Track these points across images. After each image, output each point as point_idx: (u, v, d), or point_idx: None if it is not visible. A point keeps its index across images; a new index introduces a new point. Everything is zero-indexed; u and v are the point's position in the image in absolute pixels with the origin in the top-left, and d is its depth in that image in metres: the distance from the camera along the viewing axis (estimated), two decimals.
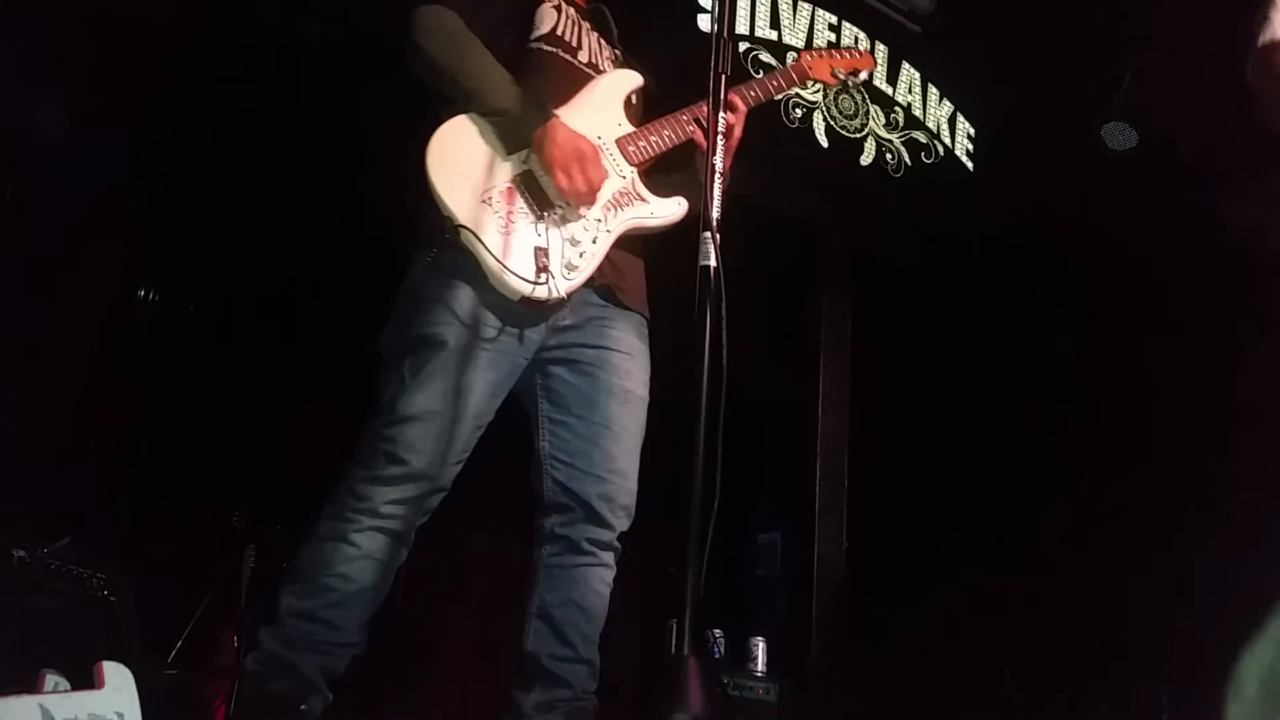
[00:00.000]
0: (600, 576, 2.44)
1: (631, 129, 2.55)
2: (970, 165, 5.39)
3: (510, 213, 2.34)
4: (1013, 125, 5.34)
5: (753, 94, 2.63)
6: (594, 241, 2.40)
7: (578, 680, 2.37)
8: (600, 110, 2.54)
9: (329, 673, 2.27)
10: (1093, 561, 4.91)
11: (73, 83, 3.99)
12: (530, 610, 2.42)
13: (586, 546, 2.41)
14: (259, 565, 3.82)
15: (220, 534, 4.06)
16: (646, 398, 2.53)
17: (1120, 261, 5.20)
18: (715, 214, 1.89)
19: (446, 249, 2.34)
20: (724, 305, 1.81)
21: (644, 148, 2.52)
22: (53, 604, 2.98)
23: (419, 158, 2.34)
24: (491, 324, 2.34)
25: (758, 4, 4.79)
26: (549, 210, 2.37)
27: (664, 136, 2.54)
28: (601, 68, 2.64)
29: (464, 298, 2.33)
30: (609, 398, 2.46)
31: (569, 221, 2.38)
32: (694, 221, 1.91)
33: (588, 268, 2.39)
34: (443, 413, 2.30)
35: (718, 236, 1.86)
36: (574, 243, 2.37)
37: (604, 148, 2.49)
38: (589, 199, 2.40)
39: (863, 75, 2.93)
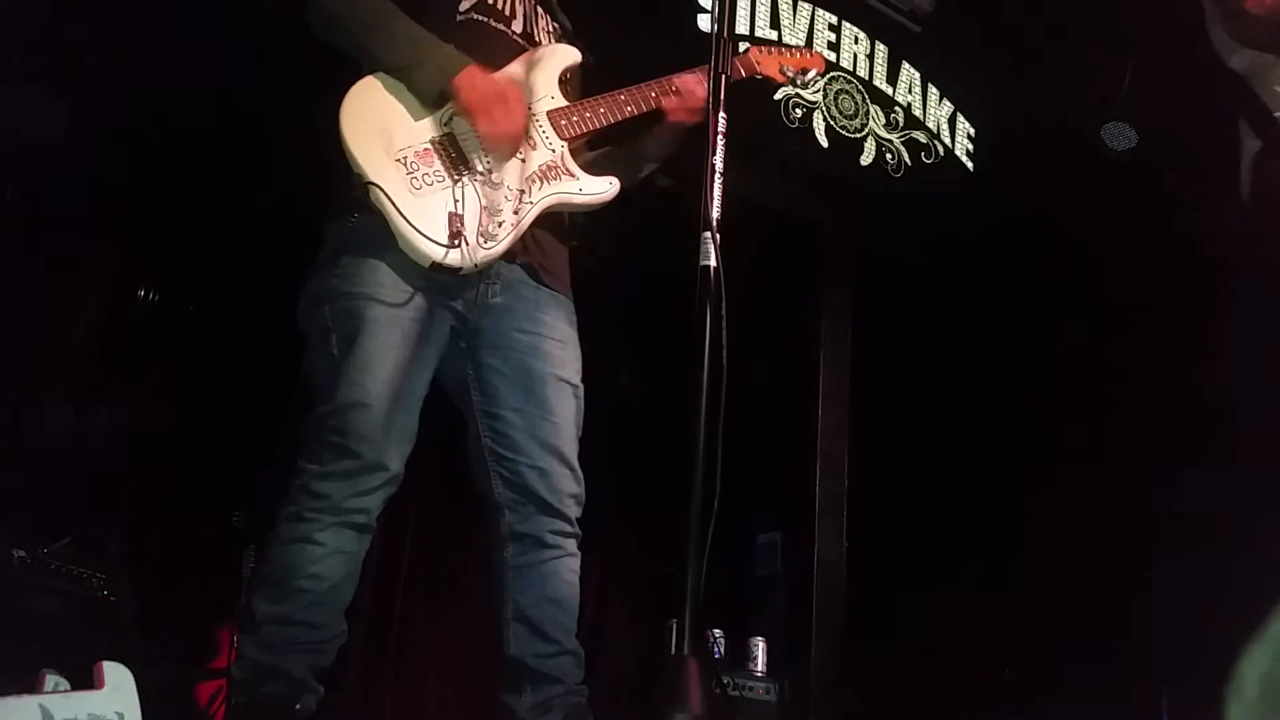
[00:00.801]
0: (568, 566, 2.41)
1: (564, 103, 2.46)
2: (970, 165, 5.39)
3: (426, 174, 2.25)
4: (1013, 125, 5.33)
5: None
6: (515, 213, 2.31)
7: (567, 673, 2.35)
8: (535, 79, 2.45)
9: (317, 669, 2.26)
10: (1093, 561, 4.91)
11: (73, 82, 3.99)
12: (506, 615, 2.40)
13: (549, 539, 2.38)
14: (258, 565, 3.82)
15: (220, 534, 4.06)
16: (580, 386, 2.47)
17: (1120, 261, 5.20)
18: (715, 214, 1.89)
19: (365, 211, 2.24)
20: (724, 305, 1.82)
21: (576, 122, 2.44)
22: (53, 604, 2.98)
23: (333, 114, 2.26)
24: (418, 295, 2.27)
25: (757, 4, 4.79)
26: (468, 175, 2.28)
27: (599, 113, 2.46)
28: (538, 38, 2.56)
29: (387, 267, 2.25)
30: (544, 387, 2.40)
31: (489, 189, 2.28)
32: (690, 219, 1.89)
33: (506, 238, 2.29)
34: (384, 395, 2.23)
35: (718, 236, 1.87)
36: (493, 212, 2.27)
37: (534, 118, 2.40)
38: (513, 142, 2.30)
39: (811, 74, 2.85)
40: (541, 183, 2.38)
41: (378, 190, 2.20)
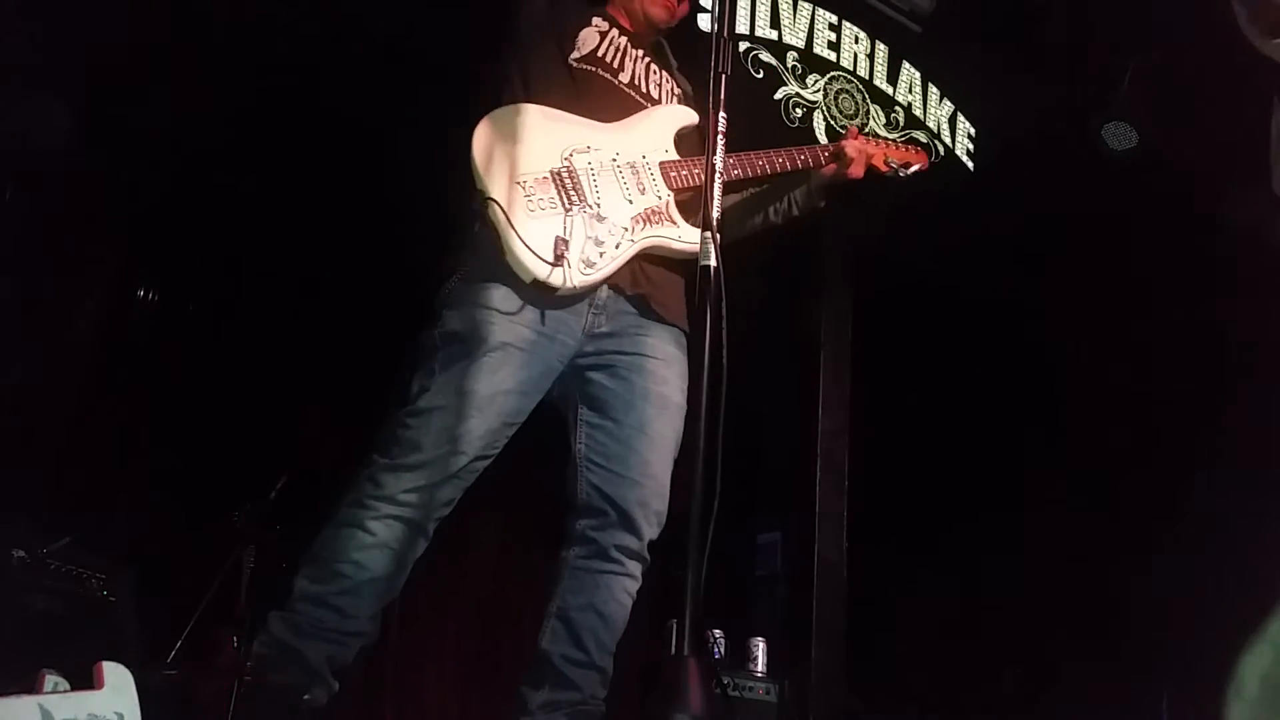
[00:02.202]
0: (624, 586, 2.45)
1: (676, 157, 2.62)
2: (971, 165, 5.39)
3: (541, 199, 2.39)
4: (1013, 125, 5.33)
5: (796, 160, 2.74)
6: (616, 246, 2.45)
7: (587, 685, 2.38)
8: (650, 133, 2.62)
9: (335, 662, 2.29)
10: (1092, 561, 4.91)
11: (73, 82, 3.99)
12: (550, 609, 2.45)
13: (614, 554, 2.43)
14: (259, 565, 3.81)
15: (220, 534, 4.05)
16: (684, 405, 2.52)
17: (1120, 261, 5.20)
18: (715, 214, 1.89)
19: (470, 277, 2.39)
20: (724, 305, 1.82)
21: (685, 176, 2.58)
22: (52, 604, 2.98)
23: (465, 141, 2.41)
24: (526, 324, 2.38)
25: (758, 3, 4.79)
26: (580, 207, 2.42)
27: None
28: (647, 90, 2.71)
29: (499, 298, 2.38)
30: (645, 402, 2.49)
31: (595, 222, 2.43)
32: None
33: (605, 268, 2.43)
34: (464, 406, 2.32)
35: (718, 237, 1.87)
36: (597, 242, 2.42)
37: (646, 167, 2.56)
38: None
39: (914, 168, 2.91)
40: (645, 224, 2.52)
41: (495, 205, 2.35)
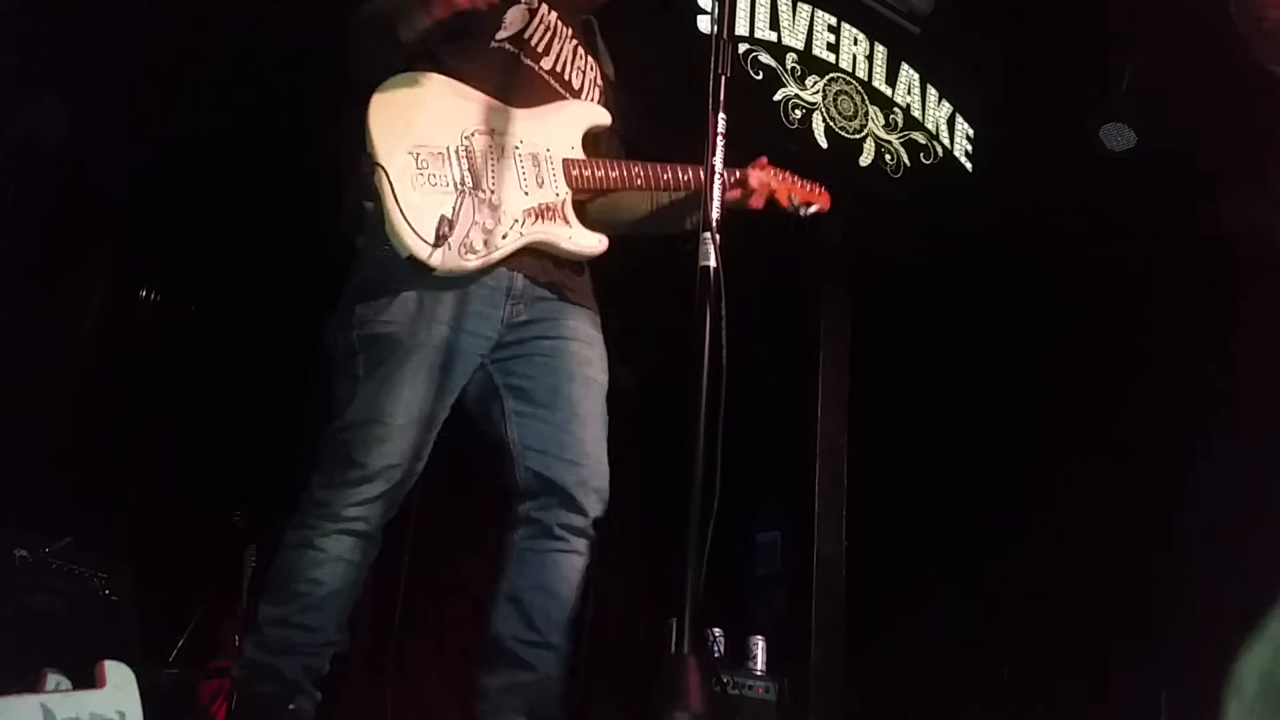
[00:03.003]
0: (572, 564, 2.41)
1: (581, 156, 2.55)
2: (969, 166, 5.40)
3: (432, 175, 2.32)
4: (1012, 126, 5.34)
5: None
6: (503, 237, 2.38)
7: (542, 665, 2.34)
8: (558, 127, 2.55)
9: (311, 672, 2.32)
10: (1092, 561, 4.92)
11: (73, 82, 3.99)
12: (499, 592, 2.41)
13: (559, 531, 2.39)
14: (260, 565, 3.82)
15: (221, 534, 4.06)
16: (606, 384, 2.53)
17: (1119, 261, 5.21)
18: (715, 214, 1.89)
19: (375, 200, 2.31)
20: (724, 305, 1.82)
21: (586, 176, 2.52)
22: (54, 603, 2.99)
23: (363, 103, 2.33)
24: (443, 321, 2.33)
25: (757, 5, 4.79)
26: (472, 191, 2.35)
27: (609, 175, 2.55)
28: (568, 79, 2.63)
29: (414, 297, 2.32)
30: (572, 385, 2.45)
31: (487, 209, 2.36)
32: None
33: (488, 257, 2.36)
34: (398, 414, 2.30)
35: (718, 237, 1.87)
36: (485, 229, 2.35)
37: (549, 160, 2.50)
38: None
39: (813, 209, 2.85)
40: (537, 219, 2.46)
41: (381, 173, 2.27)
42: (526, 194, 2.44)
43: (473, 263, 2.34)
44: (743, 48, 4.69)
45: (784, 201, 2.77)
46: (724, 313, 1.82)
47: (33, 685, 1.86)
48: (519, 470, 2.43)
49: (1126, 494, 4.91)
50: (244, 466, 4.40)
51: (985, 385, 5.41)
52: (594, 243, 2.53)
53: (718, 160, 1.93)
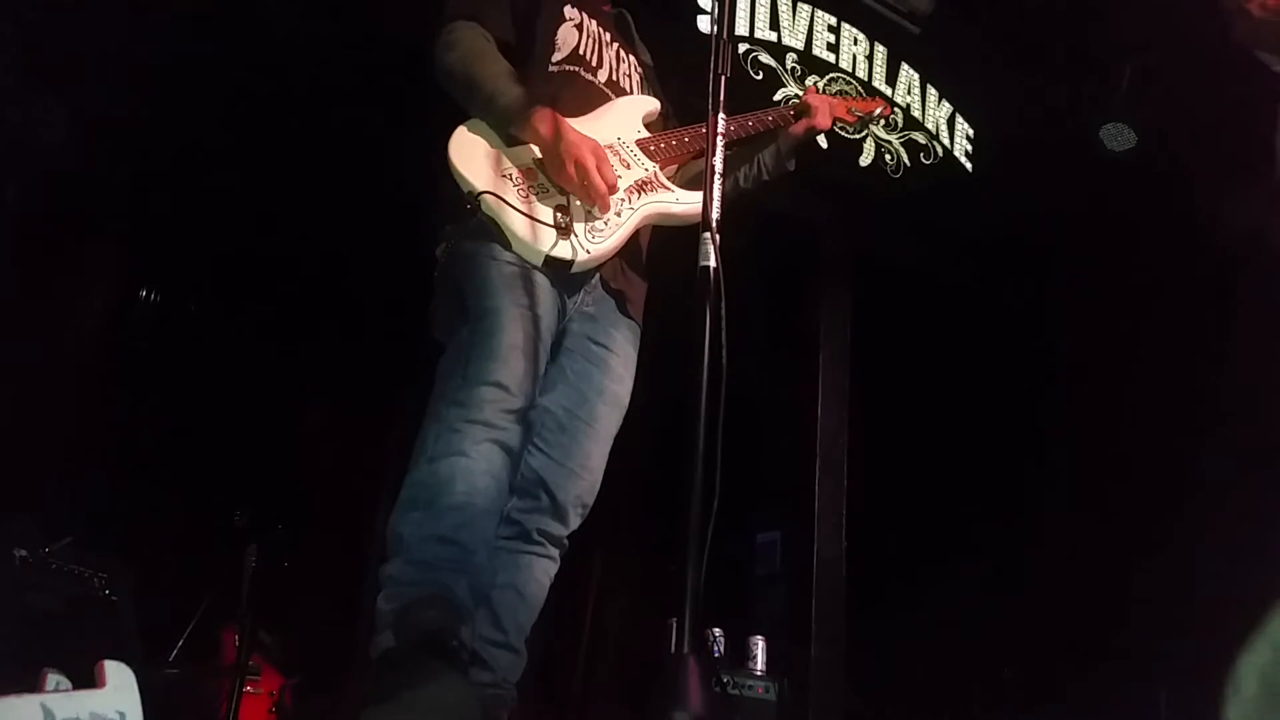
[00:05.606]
0: (545, 569, 2.41)
1: (649, 135, 2.62)
2: (969, 166, 5.39)
3: (532, 186, 2.37)
4: (1012, 126, 5.34)
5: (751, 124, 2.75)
6: (618, 214, 2.43)
7: (500, 666, 2.29)
8: (619, 119, 2.61)
9: (479, 598, 2.17)
10: (1092, 561, 4.92)
11: (72, 82, 3.99)
12: None
13: (537, 537, 2.39)
14: (260, 565, 3.82)
15: (221, 534, 4.06)
16: (626, 406, 2.56)
17: (1118, 261, 5.21)
18: (715, 214, 1.89)
19: (469, 237, 2.34)
20: (724, 305, 1.82)
21: (663, 148, 2.59)
22: (54, 603, 2.99)
23: (441, 147, 2.37)
24: (538, 294, 2.34)
25: (757, 5, 4.80)
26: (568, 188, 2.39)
27: (685, 141, 2.62)
28: (621, 84, 2.70)
29: (505, 272, 2.32)
30: (599, 398, 2.48)
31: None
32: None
33: (612, 236, 2.40)
34: (520, 357, 2.27)
35: (718, 237, 1.87)
36: (597, 216, 2.40)
37: (624, 146, 2.55)
38: (605, 197, 2.38)
39: (877, 111, 3.00)
40: (640, 193, 2.50)
41: (490, 196, 2.29)
42: (620, 177, 2.48)
43: (604, 243, 2.39)
44: (743, 48, 4.69)
45: (847, 116, 2.88)
46: (724, 313, 1.82)
47: (33, 685, 1.85)
48: (519, 464, 2.44)
49: (1127, 493, 4.91)
50: (244, 466, 4.40)
51: (985, 385, 5.41)
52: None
53: (718, 160, 1.93)
